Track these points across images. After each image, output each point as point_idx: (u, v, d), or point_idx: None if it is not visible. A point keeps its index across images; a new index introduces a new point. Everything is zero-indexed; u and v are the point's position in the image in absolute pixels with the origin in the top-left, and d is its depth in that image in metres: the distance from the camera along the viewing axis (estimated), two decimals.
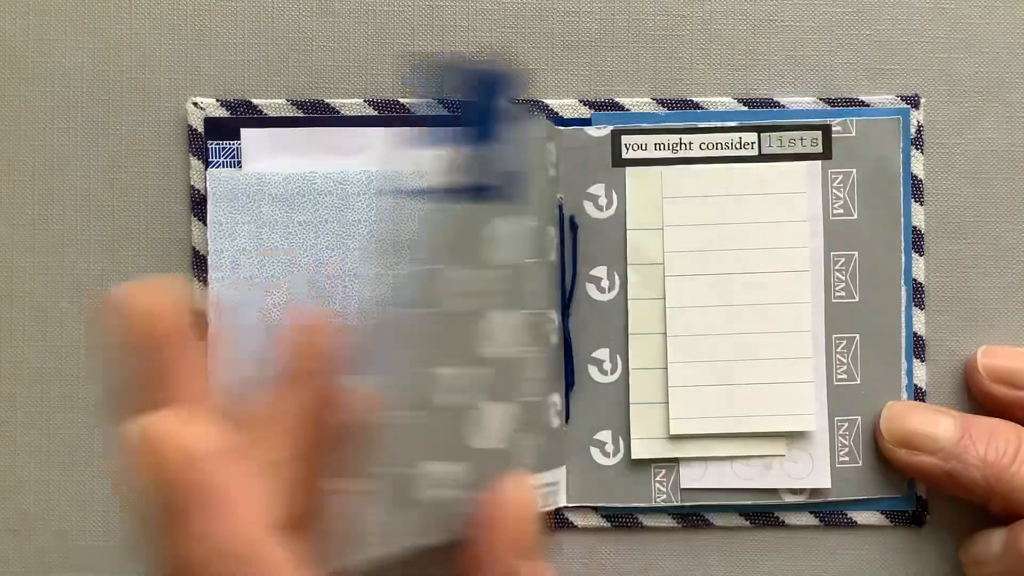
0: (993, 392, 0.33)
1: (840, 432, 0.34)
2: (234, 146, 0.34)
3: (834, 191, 0.34)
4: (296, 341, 0.24)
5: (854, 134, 0.34)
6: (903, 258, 0.34)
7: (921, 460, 0.32)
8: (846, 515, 0.34)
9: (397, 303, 0.25)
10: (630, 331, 0.34)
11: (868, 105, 0.34)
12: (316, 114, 0.34)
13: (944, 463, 0.31)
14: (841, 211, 0.34)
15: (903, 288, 0.34)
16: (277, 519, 0.22)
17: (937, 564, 0.35)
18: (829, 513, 0.34)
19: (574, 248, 0.34)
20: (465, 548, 0.25)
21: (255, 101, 0.34)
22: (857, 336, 0.34)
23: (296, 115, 0.34)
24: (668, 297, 0.34)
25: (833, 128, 0.34)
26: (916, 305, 0.34)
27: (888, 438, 0.33)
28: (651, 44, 0.34)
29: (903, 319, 0.34)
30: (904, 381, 0.34)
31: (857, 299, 0.34)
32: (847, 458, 0.34)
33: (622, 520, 0.34)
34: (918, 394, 0.34)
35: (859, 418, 0.34)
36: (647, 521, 0.34)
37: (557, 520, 0.34)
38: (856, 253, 0.34)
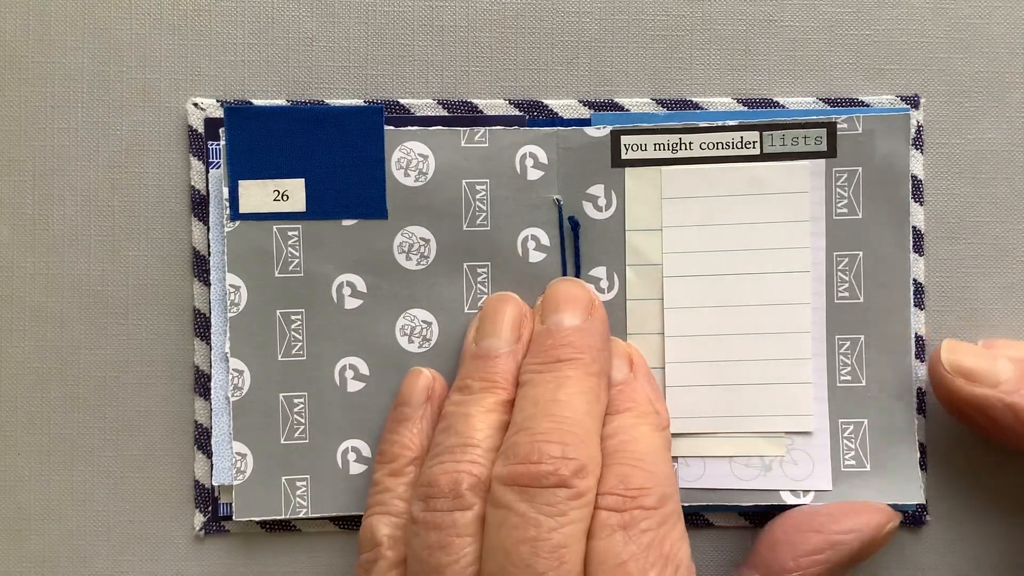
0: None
1: (845, 435, 0.34)
2: None
3: (838, 190, 0.33)
4: None
5: (860, 131, 0.33)
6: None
7: (983, 392, 0.32)
8: None
9: None
10: (628, 331, 0.34)
11: (868, 105, 0.34)
12: None
13: (1005, 396, 0.31)
14: (845, 210, 0.34)
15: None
16: None
17: (937, 564, 0.35)
18: None
19: (576, 248, 0.34)
20: None
21: (255, 101, 0.34)
22: (862, 337, 0.34)
23: None
24: (666, 298, 0.34)
25: (839, 125, 0.33)
26: (916, 305, 0.34)
27: (949, 367, 0.32)
28: (651, 44, 0.34)
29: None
30: (915, 384, 0.34)
31: (862, 300, 0.34)
32: (853, 462, 0.34)
33: None
34: (919, 394, 0.34)
35: (865, 421, 0.34)
36: None
37: None
38: (860, 253, 0.34)
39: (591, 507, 0.29)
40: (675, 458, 0.34)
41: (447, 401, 0.32)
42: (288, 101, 0.34)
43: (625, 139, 0.34)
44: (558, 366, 0.31)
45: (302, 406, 0.34)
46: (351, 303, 0.34)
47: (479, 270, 0.34)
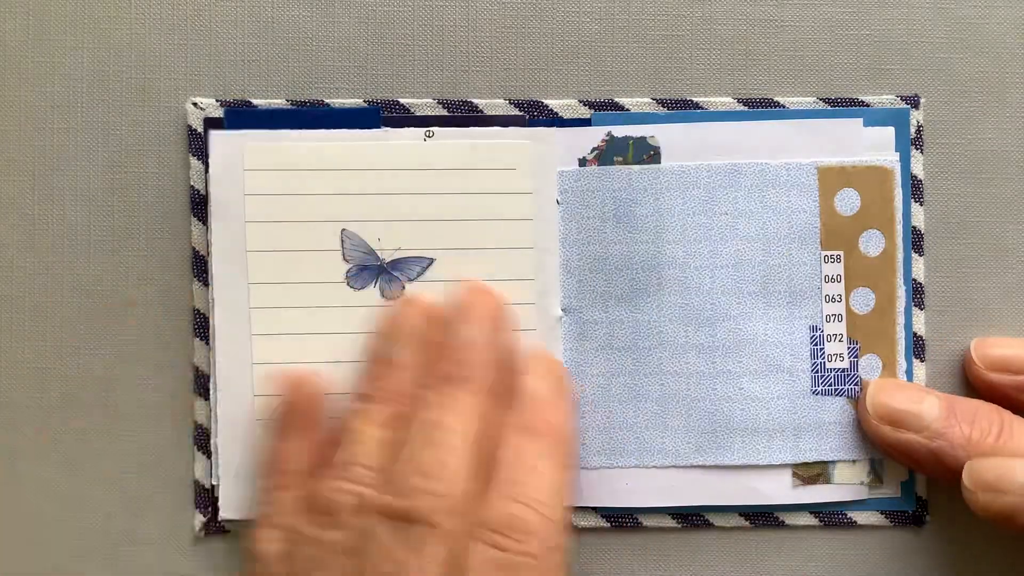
0: (991, 380, 0.33)
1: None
2: None
3: None
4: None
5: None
6: (901, 257, 0.34)
7: (907, 438, 0.32)
8: (846, 515, 0.34)
9: None
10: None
11: (868, 105, 0.34)
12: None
13: (930, 442, 0.31)
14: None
15: (903, 288, 0.34)
16: None
17: (937, 564, 0.35)
18: (829, 513, 0.34)
19: None
20: None
21: (255, 101, 0.34)
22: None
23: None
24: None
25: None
26: (916, 305, 0.34)
27: (873, 414, 0.33)
28: (651, 44, 0.34)
29: (903, 319, 0.34)
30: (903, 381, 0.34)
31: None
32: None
33: (622, 520, 0.34)
34: None
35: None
36: (647, 521, 0.34)
37: None
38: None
39: (460, 540, 0.28)
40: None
41: (349, 407, 0.31)
42: (288, 101, 0.34)
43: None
44: (447, 387, 0.30)
45: None
46: None
47: None
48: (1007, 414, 0.32)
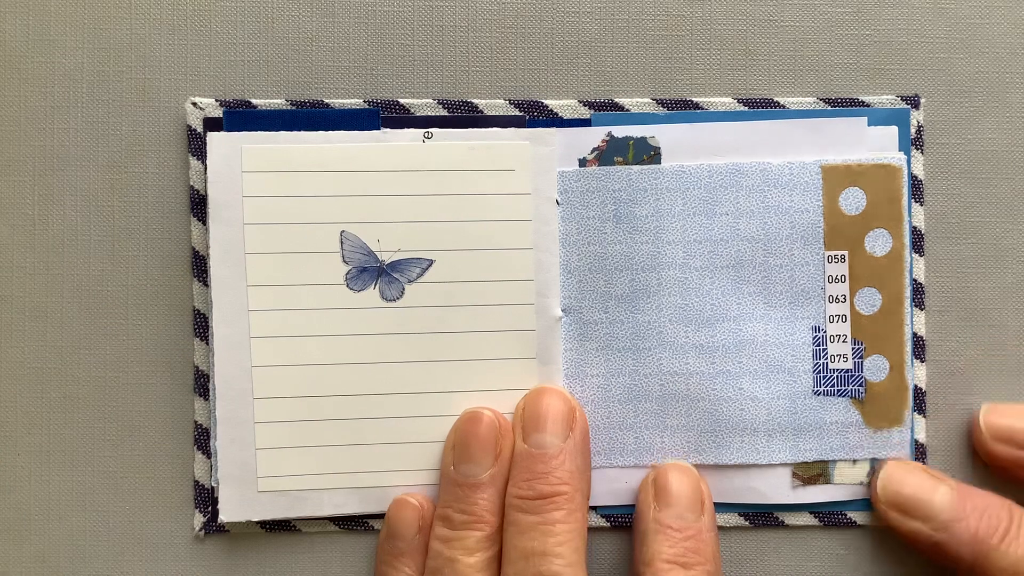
0: (995, 451, 0.33)
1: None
2: None
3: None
4: None
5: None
6: (909, 257, 0.34)
7: (914, 527, 0.32)
8: (846, 515, 0.34)
9: None
10: None
11: (868, 105, 0.34)
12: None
13: (935, 533, 0.31)
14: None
15: (910, 288, 0.34)
16: None
17: (937, 564, 0.34)
18: (829, 513, 0.34)
19: None
20: None
21: (255, 101, 0.34)
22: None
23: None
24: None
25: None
26: (916, 305, 0.34)
27: (883, 499, 0.33)
28: (651, 44, 0.34)
29: (911, 319, 0.34)
30: (910, 387, 0.34)
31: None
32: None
33: (622, 520, 0.34)
34: (917, 394, 0.34)
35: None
36: None
37: None
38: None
39: None
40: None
41: (432, 533, 0.31)
42: (288, 101, 0.34)
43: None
44: (544, 505, 0.30)
45: None
46: None
47: None
48: (1017, 511, 0.31)
